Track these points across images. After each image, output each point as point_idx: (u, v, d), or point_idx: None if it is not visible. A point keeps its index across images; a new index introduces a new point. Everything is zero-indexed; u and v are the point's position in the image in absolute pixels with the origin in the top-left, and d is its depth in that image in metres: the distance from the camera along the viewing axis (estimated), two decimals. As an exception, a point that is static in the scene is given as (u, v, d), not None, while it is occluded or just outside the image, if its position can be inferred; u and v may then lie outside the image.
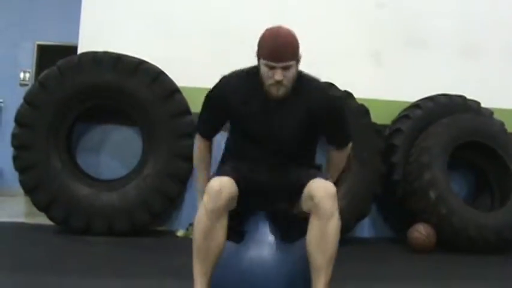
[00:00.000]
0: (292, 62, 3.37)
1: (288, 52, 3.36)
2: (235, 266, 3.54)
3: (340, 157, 3.85)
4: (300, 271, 3.48)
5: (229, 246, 3.47)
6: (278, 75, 3.34)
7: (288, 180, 3.55)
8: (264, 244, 3.57)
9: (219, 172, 3.53)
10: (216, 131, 3.78)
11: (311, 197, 3.34)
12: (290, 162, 3.61)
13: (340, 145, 3.80)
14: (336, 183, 3.52)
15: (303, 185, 3.42)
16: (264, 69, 3.39)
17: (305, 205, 3.43)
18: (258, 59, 3.43)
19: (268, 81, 3.39)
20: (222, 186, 3.32)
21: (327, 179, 3.46)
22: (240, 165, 3.57)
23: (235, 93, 3.56)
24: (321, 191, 3.32)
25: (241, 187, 3.42)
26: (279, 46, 3.35)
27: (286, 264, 3.54)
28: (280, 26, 3.48)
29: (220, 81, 3.66)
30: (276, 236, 3.57)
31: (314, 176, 3.45)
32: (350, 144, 3.85)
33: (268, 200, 3.60)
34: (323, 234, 3.30)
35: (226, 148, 3.86)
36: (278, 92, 3.40)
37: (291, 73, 3.39)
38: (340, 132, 3.77)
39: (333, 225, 3.31)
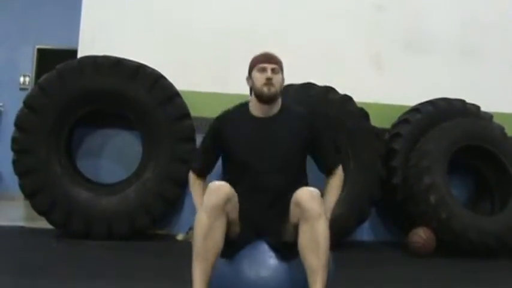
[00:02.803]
0: (280, 69, 3.80)
1: (276, 59, 3.83)
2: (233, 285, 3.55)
3: (333, 185, 3.91)
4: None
5: (226, 264, 3.52)
6: (269, 72, 3.74)
7: (281, 216, 3.63)
8: (261, 263, 3.57)
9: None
10: (208, 167, 3.99)
11: (297, 204, 3.44)
12: (283, 187, 3.69)
13: (330, 167, 3.91)
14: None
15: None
16: (256, 76, 3.78)
17: (293, 216, 3.51)
18: (250, 73, 3.84)
19: (260, 82, 3.74)
20: (221, 186, 3.46)
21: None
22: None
23: (228, 121, 3.88)
24: (306, 195, 3.43)
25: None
26: (268, 53, 3.85)
27: (284, 282, 3.54)
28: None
29: (215, 118, 3.96)
30: (273, 255, 3.58)
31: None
32: (341, 170, 3.95)
33: (260, 232, 3.66)
34: (314, 237, 3.36)
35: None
36: (269, 91, 3.73)
37: (279, 78, 3.78)
38: (329, 151, 3.94)
39: (322, 225, 3.38)
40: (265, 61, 3.78)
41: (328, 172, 3.91)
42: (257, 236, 3.61)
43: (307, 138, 3.82)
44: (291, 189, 3.57)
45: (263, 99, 3.76)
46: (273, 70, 3.75)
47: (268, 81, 3.72)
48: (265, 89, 3.72)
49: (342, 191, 3.98)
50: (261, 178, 3.70)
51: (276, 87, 3.74)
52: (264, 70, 3.75)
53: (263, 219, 3.62)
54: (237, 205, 3.54)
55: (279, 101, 3.84)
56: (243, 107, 3.91)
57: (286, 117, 3.83)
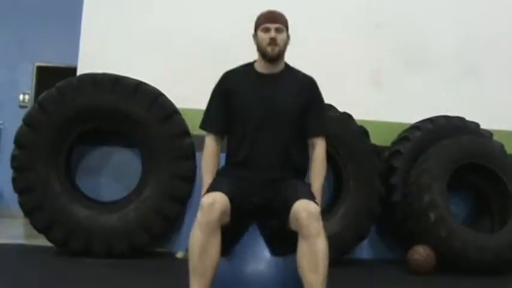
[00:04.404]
0: (284, 27, 3.94)
1: (281, 18, 3.96)
2: (231, 282, 3.55)
3: (320, 153, 3.96)
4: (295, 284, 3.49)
5: (225, 261, 3.51)
6: (273, 33, 3.88)
7: (278, 199, 3.67)
8: (260, 259, 3.59)
9: (213, 186, 3.65)
10: (224, 121, 4.01)
11: (296, 219, 3.44)
12: (287, 145, 3.86)
13: (320, 131, 3.97)
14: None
15: (291, 206, 3.51)
16: (260, 35, 3.93)
17: (292, 225, 3.51)
18: (255, 33, 3.99)
19: (264, 42, 3.89)
20: (215, 200, 3.44)
21: (312, 198, 3.61)
22: (233, 183, 3.70)
23: (234, 79, 4.06)
24: (304, 212, 3.42)
25: (234, 205, 3.55)
26: (272, 13, 3.97)
27: (281, 278, 3.55)
28: None
29: (221, 76, 4.12)
30: (270, 251, 3.60)
31: (300, 195, 3.56)
32: (324, 142, 4.00)
33: (260, 218, 3.75)
34: (312, 254, 3.37)
35: (226, 155, 4.03)
36: (273, 51, 3.89)
37: (283, 36, 3.94)
38: (321, 117, 4.03)
39: (320, 244, 3.39)
40: (270, 21, 3.90)
41: (313, 135, 3.95)
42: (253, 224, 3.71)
43: (307, 98, 3.97)
44: (294, 145, 3.84)
45: (267, 58, 3.91)
46: (276, 30, 3.88)
47: (272, 41, 3.87)
48: (268, 49, 3.88)
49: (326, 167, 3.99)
50: (265, 129, 3.84)
51: (280, 46, 3.90)
52: (267, 30, 3.89)
53: (261, 211, 3.73)
54: (229, 210, 3.53)
55: (284, 59, 4.02)
56: (248, 64, 4.08)
57: (289, 76, 4.02)
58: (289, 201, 3.54)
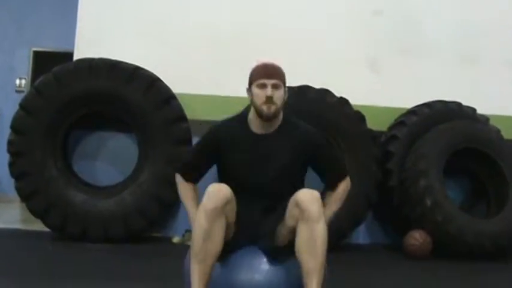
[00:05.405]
0: (281, 83, 3.61)
1: (278, 73, 3.64)
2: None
3: (336, 195, 3.82)
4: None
5: (220, 269, 3.49)
6: (269, 91, 3.54)
7: (274, 223, 3.61)
8: (253, 267, 3.57)
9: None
10: (199, 175, 3.83)
11: (297, 204, 3.39)
12: (278, 202, 3.65)
13: (332, 184, 3.81)
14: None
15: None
16: (255, 91, 3.60)
17: (290, 217, 3.46)
18: (250, 87, 3.66)
19: (260, 101, 3.57)
20: (221, 188, 3.40)
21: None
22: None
23: (227, 133, 3.72)
24: (306, 196, 3.38)
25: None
26: (269, 67, 3.65)
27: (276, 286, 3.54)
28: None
29: (212, 126, 3.80)
30: (265, 260, 3.58)
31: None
32: (347, 180, 3.84)
33: (254, 238, 3.64)
34: (312, 238, 3.33)
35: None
36: (269, 110, 3.56)
37: (280, 93, 3.60)
38: (333, 164, 3.82)
39: (321, 228, 3.35)
40: (266, 76, 3.59)
41: (335, 184, 3.80)
42: (250, 241, 3.60)
43: (307, 155, 3.71)
44: (286, 198, 3.53)
45: (263, 118, 3.61)
46: (273, 86, 3.57)
47: (268, 100, 3.55)
48: (264, 108, 3.56)
49: (346, 199, 3.91)
50: (257, 192, 3.65)
51: (276, 105, 3.58)
52: (263, 86, 3.57)
53: (256, 225, 3.61)
54: (234, 208, 3.51)
55: (280, 116, 3.71)
56: (242, 119, 3.76)
57: (286, 133, 3.70)
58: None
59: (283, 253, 3.50)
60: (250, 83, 3.66)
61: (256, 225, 3.61)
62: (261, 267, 3.54)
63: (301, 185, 3.73)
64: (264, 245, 3.57)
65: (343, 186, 3.82)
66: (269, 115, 3.58)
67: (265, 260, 3.54)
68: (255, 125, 3.69)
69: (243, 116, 3.78)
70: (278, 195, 3.66)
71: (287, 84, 3.67)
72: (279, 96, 3.59)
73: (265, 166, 3.66)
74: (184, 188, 3.80)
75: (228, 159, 3.71)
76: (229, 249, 3.52)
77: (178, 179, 3.81)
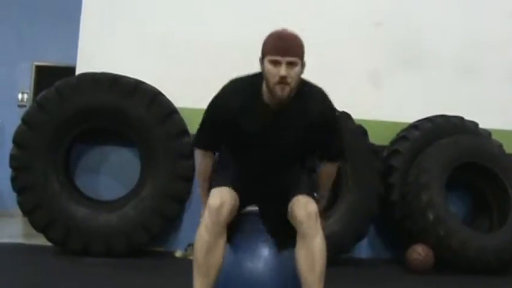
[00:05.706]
0: (297, 59, 3.31)
1: (294, 47, 3.34)
2: (231, 278, 3.56)
3: (331, 170, 3.86)
4: (294, 281, 3.51)
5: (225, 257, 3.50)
6: (283, 70, 3.25)
7: (280, 188, 3.61)
8: (259, 256, 3.59)
9: (219, 181, 3.57)
10: (217, 144, 3.74)
11: (294, 217, 3.41)
12: (284, 169, 3.68)
13: (333, 158, 3.81)
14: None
15: (291, 195, 3.50)
16: (268, 67, 3.32)
17: (291, 220, 3.48)
18: (262, 59, 3.39)
19: (273, 80, 3.30)
20: (223, 201, 3.37)
21: (311, 194, 3.57)
22: (237, 174, 3.63)
23: (236, 103, 3.50)
24: (302, 211, 3.38)
25: (241, 194, 3.52)
26: (284, 41, 3.36)
27: (281, 275, 3.56)
28: (285, 28, 3.49)
29: (221, 91, 3.66)
30: (272, 245, 3.60)
31: (301, 189, 3.54)
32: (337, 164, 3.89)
33: (264, 202, 3.70)
34: (310, 253, 3.35)
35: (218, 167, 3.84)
36: (283, 92, 3.31)
37: (296, 72, 3.32)
38: (335, 144, 3.78)
39: (318, 243, 3.36)
40: (280, 52, 3.29)
41: (331, 161, 3.81)
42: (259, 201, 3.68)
43: (315, 132, 3.54)
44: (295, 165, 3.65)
45: (275, 99, 3.37)
46: (288, 64, 3.27)
47: (282, 80, 3.27)
48: (277, 89, 3.30)
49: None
50: (263, 163, 3.64)
51: (290, 86, 3.30)
52: (277, 63, 3.28)
53: (264, 185, 3.66)
54: (237, 207, 3.50)
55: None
56: (256, 86, 3.49)
57: (299, 106, 3.47)
58: (291, 190, 3.54)
59: (290, 244, 3.49)
60: (263, 55, 3.39)
61: (265, 186, 3.65)
62: (264, 253, 3.58)
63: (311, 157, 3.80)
64: (275, 241, 3.64)
65: (334, 168, 3.85)
66: (282, 97, 3.34)
67: (267, 246, 3.58)
68: (267, 96, 3.44)
69: (257, 82, 3.49)
70: (286, 166, 3.67)
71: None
72: (294, 74, 3.31)
73: (274, 142, 3.54)
74: (202, 163, 3.76)
75: (236, 128, 3.52)
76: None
77: (198, 154, 3.76)
